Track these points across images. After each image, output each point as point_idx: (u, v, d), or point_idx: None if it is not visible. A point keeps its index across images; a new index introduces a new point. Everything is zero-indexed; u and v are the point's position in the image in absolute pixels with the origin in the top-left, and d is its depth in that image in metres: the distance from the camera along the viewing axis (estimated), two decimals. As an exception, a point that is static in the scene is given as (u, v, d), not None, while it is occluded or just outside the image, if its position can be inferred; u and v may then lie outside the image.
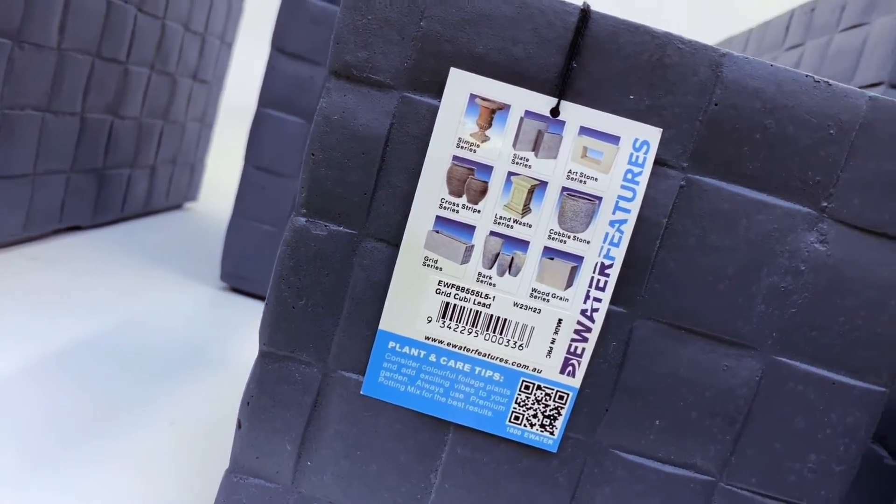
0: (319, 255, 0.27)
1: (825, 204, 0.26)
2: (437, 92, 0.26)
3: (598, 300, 0.26)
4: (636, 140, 0.25)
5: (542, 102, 0.25)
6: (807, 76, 0.25)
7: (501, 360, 0.27)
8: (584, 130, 0.25)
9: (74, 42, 0.60)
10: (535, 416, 0.27)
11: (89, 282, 0.59)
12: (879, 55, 0.52)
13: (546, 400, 0.27)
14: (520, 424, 0.27)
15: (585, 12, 0.25)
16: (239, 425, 0.28)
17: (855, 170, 0.26)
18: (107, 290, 0.59)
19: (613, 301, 0.27)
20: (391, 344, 0.27)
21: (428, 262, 0.26)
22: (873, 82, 0.52)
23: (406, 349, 0.27)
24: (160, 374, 0.46)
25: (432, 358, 0.27)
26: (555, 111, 0.25)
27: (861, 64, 0.54)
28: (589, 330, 0.26)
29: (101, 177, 0.72)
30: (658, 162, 0.26)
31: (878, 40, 0.53)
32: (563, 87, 0.25)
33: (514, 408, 0.27)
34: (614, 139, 0.25)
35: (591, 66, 0.25)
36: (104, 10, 0.64)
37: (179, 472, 0.36)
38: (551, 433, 0.27)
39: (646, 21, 0.26)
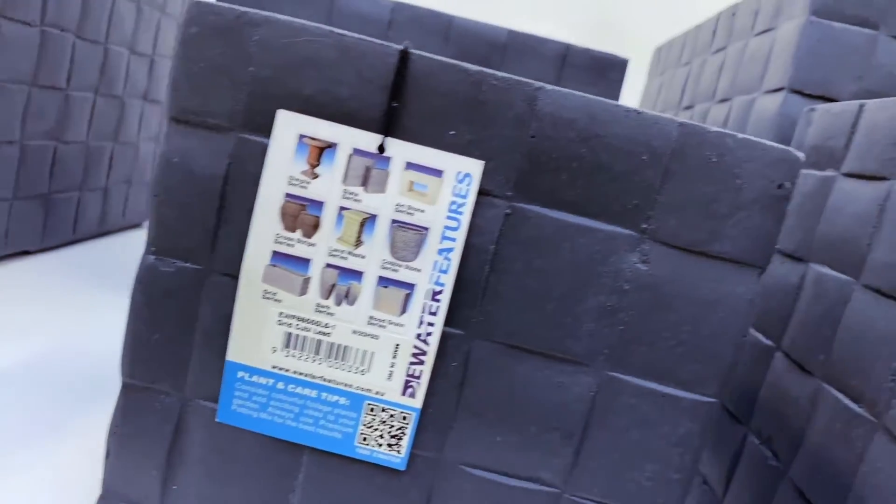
0: (169, 290, 0.28)
1: (645, 226, 0.27)
2: (271, 132, 0.27)
3: (432, 324, 0.27)
4: (459, 173, 0.27)
5: (369, 140, 0.27)
6: (617, 106, 0.26)
7: (346, 384, 0.28)
8: (410, 165, 0.27)
9: (7, 73, 0.62)
10: (381, 436, 0.28)
11: (30, 307, 0.61)
12: (782, 60, 0.53)
13: (391, 421, 0.28)
14: (368, 445, 0.28)
15: (405, 54, 0.26)
16: (107, 454, 0.30)
17: (670, 193, 0.27)
18: (47, 315, 0.60)
19: (451, 324, 0.28)
20: (240, 373, 0.28)
21: (267, 295, 0.27)
22: (777, 87, 0.53)
23: (255, 378, 0.28)
24: (83, 399, 0.48)
25: (280, 385, 0.28)
26: (381, 148, 0.27)
27: (768, 68, 0.56)
28: (425, 353, 0.28)
29: (46, 201, 0.74)
30: (483, 192, 0.27)
31: (782, 45, 0.54)
32: (387, 125, 0.26)
33: (362, 429, 0.28)
34: (438, 173, 0.27)
35: (413, 104, 0.27)
36: (38, 40, 0.65)
37: (81, 496, 0.38)
38: (398, 452, 0.29)
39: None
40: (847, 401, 0.34)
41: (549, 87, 0.26)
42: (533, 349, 0.28)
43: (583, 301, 0.28)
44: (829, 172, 0.42)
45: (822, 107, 0.45)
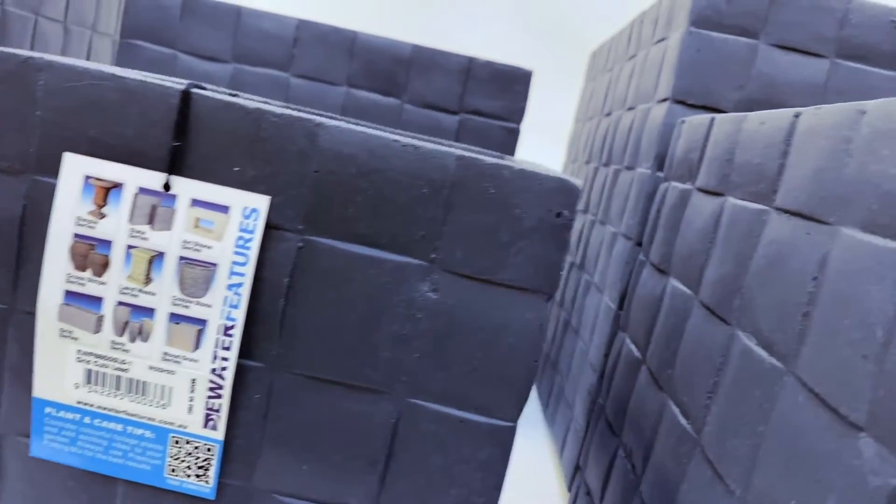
0: (-25, 330, 0.29)
1: (433, 256, 0.28)
2: (59, 174, 0.27)
3: (226, 359, 0.28)
4: (245, 208, 0.27)
5: (153, 179, 0.27)
6: (395, 141, 0.27)
7: (149, 418, 0.28)
8: (196, 202, 0.27)
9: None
10: (189, 467, 0.29)
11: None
12: (669, 70, 0.53)
13: (196, 452, 0.29)
14: (177, 476, 0.29)
15: (186, 94, 0.27)
16: (-71, 490, 0.30)
17: (454, 224, 0.27)
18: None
19: (251, 357, 0.28)
20: (48, 409, 0.29)
21: (64, 333, 0.28)
22: (664, 97, 0.53)
23: (62, 413, 0.29)
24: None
25: (87, 420, 0.29)
26: (167, 186, 0.27)
27: (660, 78, 0.56)
28: (221, 387, 0.28)
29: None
30: (274, 227, 0.28)
31: (669, 56, 0.54)
32: (171, 164, 0.27)
33: (170, 461, 0.29)
34: (224, 209, 0.27)
35: (197, 142, 0.27)
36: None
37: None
38: (207, 482, 0.29)
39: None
40: (680, 417, 0.34)
41: (328, 122, 0.27)
42: (333, 379, 0.28)
43: (378, 330, 0.28)
44: (687, 186, 0.42)
45: (689, 119, 0.45)
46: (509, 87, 0.63)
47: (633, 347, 0.46)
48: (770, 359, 0.27)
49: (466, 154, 0.27)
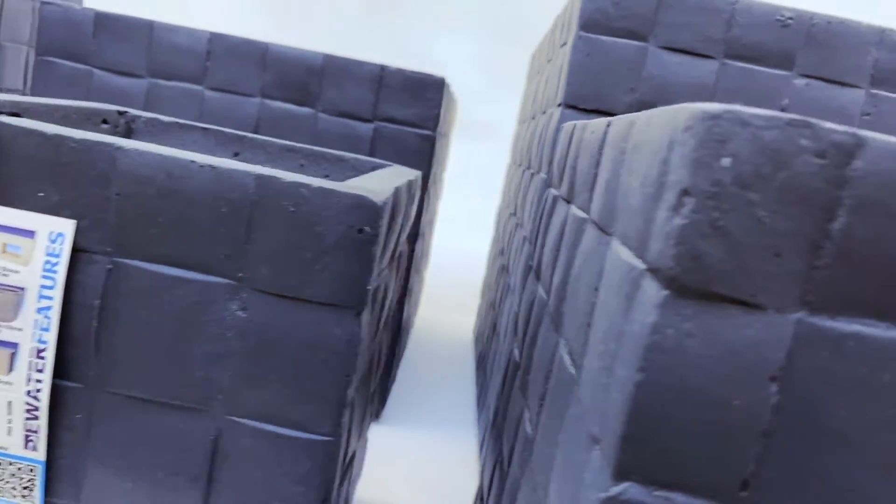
0: None
1: (241, 275, 0.28)
2: None
3: (40, 381, 0.28)
4: (52, 232, 0.28)
5: (-41, 206, 0.27)
6: (192, 162, 0.27)
7: (-30, 441, 0.29)
8: (2, 228, 0.27)
9: None
10: (14, 488, 0.29)
11: None
12: (564, 75, 0.54)
13: (20, 474, 0.29)
14: (3, 497, 0.29)
15: (-13, 121, 0.27)
16: None
17: (258, 242, 0.28)
18: None
19: (68, 378, 0.29)
20: None
21: None
22: (560, 102, 0.54)
23: None
24: None
25: (-90, 444, 0.29)
26: (-27, 213, 0.27)
27: (559, 83, 0.56)
28: (38, 408, 0.28)
29: None
30: (82, 250, 0.28)
31: (566, 60, 0.55)
32: (-24, 190, 0.27)
33: (-5, 483, 0.29)
34: (30, 233, 0.27)
35: (0, 168, 0.27)
36: None
37: None
38: (33, 502, 0.29)
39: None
40: (527, 424, 0.35)
41: (127, 145, 0.27)
42: (151, 398, 0.29)
43: (191, 350, 0.28)
44: (557, 192, 0.42)
45: (564, 126, 0.45)
46: (422, 94, 0.63)
47: (517, 352, 0.46)
48: (571, 368, 0.27)
49: (265, 173, 0.27)
